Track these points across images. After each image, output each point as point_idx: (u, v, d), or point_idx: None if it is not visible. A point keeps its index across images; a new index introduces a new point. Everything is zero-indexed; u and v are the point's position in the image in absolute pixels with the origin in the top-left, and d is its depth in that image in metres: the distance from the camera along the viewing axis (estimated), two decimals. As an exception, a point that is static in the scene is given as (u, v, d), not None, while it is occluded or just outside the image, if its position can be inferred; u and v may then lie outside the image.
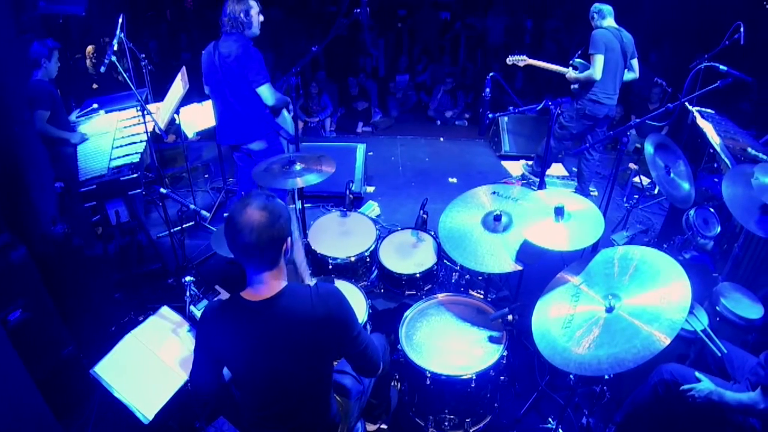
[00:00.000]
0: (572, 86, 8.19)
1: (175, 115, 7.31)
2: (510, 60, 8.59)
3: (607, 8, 7.75)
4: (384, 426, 4.74)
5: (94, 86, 10.31)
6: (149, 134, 6.51)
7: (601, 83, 7.75)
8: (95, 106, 7.57)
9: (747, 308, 4.89)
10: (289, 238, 3.02)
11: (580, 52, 8.11)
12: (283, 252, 3.02)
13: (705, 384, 4.10)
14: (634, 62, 8.00)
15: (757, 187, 4.83)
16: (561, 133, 8.43)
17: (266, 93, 6.03)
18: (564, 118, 8.32)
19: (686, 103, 6.35)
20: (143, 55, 7.79)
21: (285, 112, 6.47)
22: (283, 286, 3.08)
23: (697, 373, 4.21)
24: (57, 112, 6.57)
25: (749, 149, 6.07)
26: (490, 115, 5.74)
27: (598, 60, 7.56)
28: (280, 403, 3.28)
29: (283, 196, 5.88)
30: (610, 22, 7.76)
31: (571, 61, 8.14)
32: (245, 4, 5.89)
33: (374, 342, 3.53)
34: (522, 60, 8.46)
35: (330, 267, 5.65)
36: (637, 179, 9.30)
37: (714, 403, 4.00)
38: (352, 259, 5.65)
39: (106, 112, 7.47)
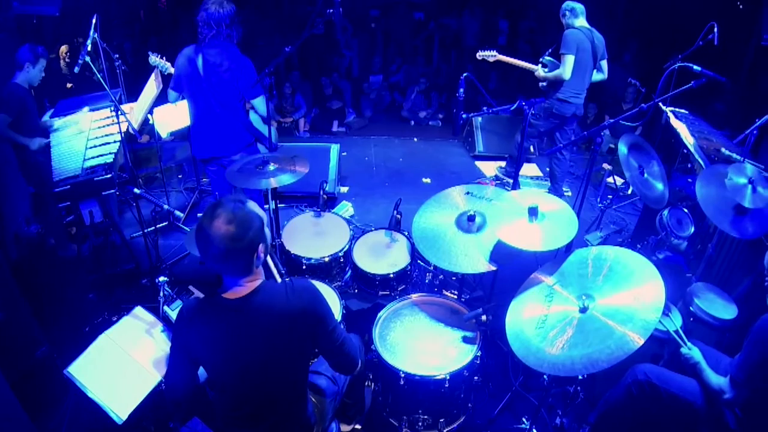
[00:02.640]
0: (540, 84, 8.20)
1: (149, 116, 7.26)
2: (480, 55, 8.61)
3: (580, 7, 7.75)
4: (358, 426, 4.73)
5: (69, 85, 10.23)
6: (123, 134, 6.44)
7: (569, 83, 7.78)
8: (86, 109, 7.50)
9: (721, 308, 4.90)
10: (261, 246, 3.01)
11: (551, 50, 8.11)
12: (255, 259, 3.01)
13: (695, 352, 4.16)
14: (604, 63, 8.04)
15: (731, 187, 4.84)
16: (528, 131, 8.40)
17: (262, 105, 5.85)
18: (531, 116, 8.32)
19: (660, 104, 6.38)
20: (117, 56, 7.72)
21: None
22: (259, 283, 3.08)
23: (689, 343, 4.25)
24: (25, 118, 6.51)
25: (723, 149, 6.10)
26: (464, 116, 5.72)
27: (569, 60, 7.57)
28: (255, 402, 3.27)
29: (258, 199, 5.85)
30: (582, 21, 7.76)
31: (541, 59, 8.16)
32: (229, 7, 5.57)
33: (351, 338, 3.54)
34: (492, 55, 8.47)
35: (304, 267, 5.63)
36: (610, 179, 9.34)
37: (695, 374, 4.10)
38: (326, 259, 5.64)
39: (91, 110, 7.38)
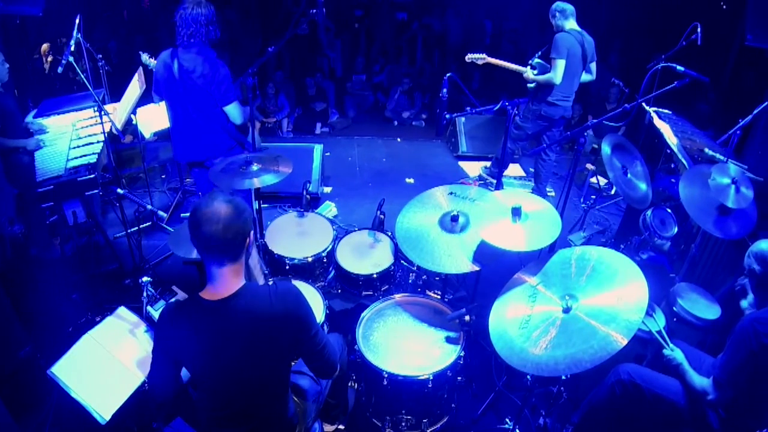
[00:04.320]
0: (528, 85, 8.18)
1: (132, 116, 7.21)
2: (469, 57, 8.50)
3: (570, 8, 7.64)
4: (341, 427, 4.72)
5: (59, 78, 10.19)
6: (106, 135, 6.41)
7: (559, 86, 7.72)
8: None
9: (704, 309, 4.91)
10: (251, 234, 3.03)
11: (540, 52, 8.06)
12: (245, 247, 3.03)
13: (678, 354, 4.19)
14: (593, 66, 7.98)
15: (714, 187, 4.85)
16: (516, 133, 8.41)
17: (234, 112, 5.75)
18: (519, 119, 8.31)
19: (643, 104, 6.38)
20: (100, 56, 7.68)
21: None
22: (241, 284, 3.08)
23: (671, 344, 4.29)
24: (9, 121, 6.42)
25: (706, 150, 6.11)
26: (448, 116, 5.71)
27: (560, 65, 7.50)
28: (237, 403, 3.26)
29: (247, 198, 5.82)
30: (572, 24, 7.66)
31: (530, 61, 8.12)
32: (207, 8, 5.45)
33: (332, 342, 3.52)
34: (482, 58, 8.39)
35: (287, 267, 5.62)
36: (594, 180, 9.34)
37: (679, 375, 4.13)
38: (309, 259, 5.63)
39: (63, 113, 7.33)
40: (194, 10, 5.36)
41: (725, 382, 3.78)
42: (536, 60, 8.01)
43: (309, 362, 3.48)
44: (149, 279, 4.35)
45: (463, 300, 6.05)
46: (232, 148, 6.02)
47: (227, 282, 3.03)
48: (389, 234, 5.90)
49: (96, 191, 5.99)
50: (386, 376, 4.34)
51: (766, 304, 3.96)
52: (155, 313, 4.39)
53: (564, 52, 7.49)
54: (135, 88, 6.85)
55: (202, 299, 3.04)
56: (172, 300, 3.32)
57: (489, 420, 5.17)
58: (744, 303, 4.48)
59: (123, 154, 9.37)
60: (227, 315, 3.01)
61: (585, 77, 8.00)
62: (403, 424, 4.64)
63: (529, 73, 8.05)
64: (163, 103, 6.12)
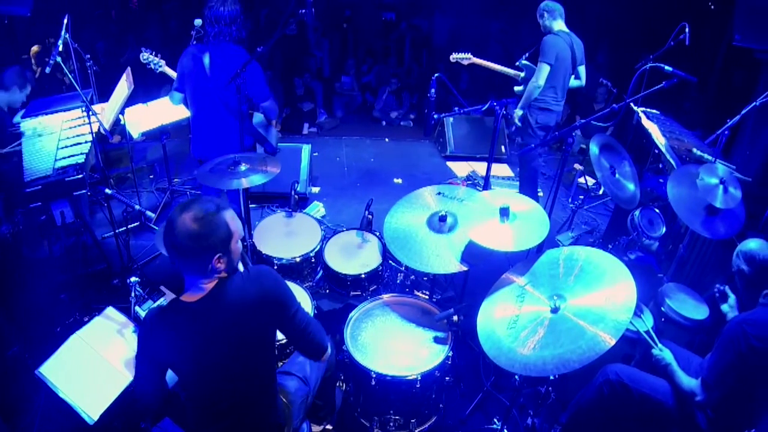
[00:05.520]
0: (516, 88, 8.10)
1: (120, 116, 7.18)
2: (454, 57, 8.39)
3: (559, 8, 7.37)
4: (329, 427, 4.70)
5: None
6: (94, 135, 6.38)
7: (551, 91, 7.47)
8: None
9: (692, 309, 4.93)
10: (219, 256, 2.99)
11: (528, 54, 7.99)
12: (211, 265, 3.00)
13: (666, 354, 4.21)
14: (582, 69, 7.72)
15: (702, 187, 4.86)
16: (530, 154, 8.16)
17: (272, 107, 5.88)
18: (521, 139, 8.17)
19: (631, 104, 6.38)
20: (88, 56, 7.65)
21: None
22: (216, 282, 3.09)
23: (660, 344, 4.30)
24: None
25: (694, 150, 6.12)
26: (436, 116, 5.71)
27: (544, 70, 7.22)
28: (226, 399, 3.27)
29: (235, 198, 5.81)
30: (560, 25, 7.40)
31: (517, 63, 8.06)
32: (233, 6, 5.49)
33: (316, 321, 3.53)
34: (467, 58, 8.29)
35: (275, 267, 5.59)
36: (582, 180, 9.37)
37: (667, 375, 4.15)
38: (297, 259, 5.63)
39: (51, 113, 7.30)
40: (218, 9, 5.42)
41: (713, 383, 3.79)
42: (523, 61, 7.92)
43: (296, 343, 3.54)
44: (137, 279, 4.36)
45: (451, 300, 6.05)
46: (251, 147, 6.07)
47: (204, 287, 3.06)
48: (377, 234, 5.90)
49: (84, 191, 5.95)
50: (374, 376, 4.33)
51: (751, 304, 3.97)
52: (143, 313, 4.40)
53: (552, 57, 7.23)
54: (123, 88, 6.81)
55: (181, 302, 3.06)
56: (154, 306, 3.33)
57: (477, 420, 5.17)
58: (725, 307, 4.52)
59: (111, 155, 9.32)
60: (208, 313, 3.04)
61: (574, 83, 7.78)
62: (391, 424, 4.62)
63: (515, 74, 8.00)
64: (151, 104, 6.09)
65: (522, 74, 7.92)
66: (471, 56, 8.30)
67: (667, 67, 6.01)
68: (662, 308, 4.97)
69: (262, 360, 3.33)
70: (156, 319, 3.11)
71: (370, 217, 6.13)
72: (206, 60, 5.54)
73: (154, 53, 6.79)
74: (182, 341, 3.07)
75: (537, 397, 5.10)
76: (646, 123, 6.55)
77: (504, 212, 4.46)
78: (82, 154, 6.15)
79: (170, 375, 3.44)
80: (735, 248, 4.12)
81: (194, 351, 3.08)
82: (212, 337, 3.06)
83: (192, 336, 3.06)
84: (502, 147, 10.68)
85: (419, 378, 4.30)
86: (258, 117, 6.07)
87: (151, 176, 9.52)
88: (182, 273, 3.05)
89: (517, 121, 7.75)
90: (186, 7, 13.01)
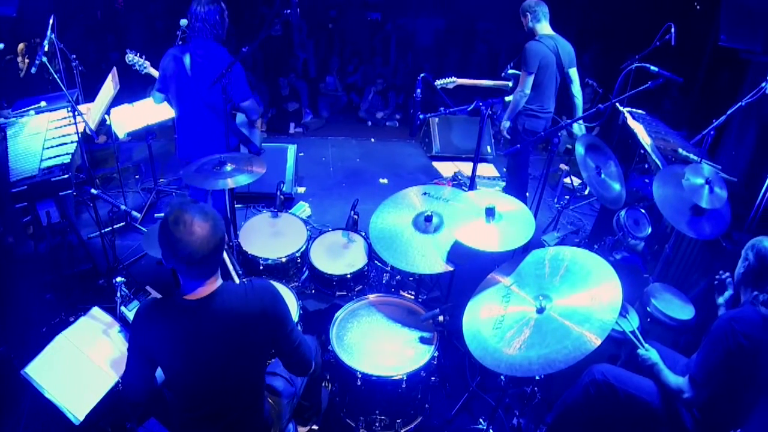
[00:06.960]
0: (506, 99, 8.00)
1: (106, 116, 7.17)
2: (438, 84, 8.00)
3: (543, 9, 7.09)
4: (315, 427, 4.69)
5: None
6: (80, 135, 6.36)
7: (537, 99, 7.21)
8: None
9: (678, 309, 4.93)
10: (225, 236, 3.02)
11: (512, 63, 7.86)
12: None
13: (652, 354, 4.21)
14: (573, 72, 7.35)
15: (688, 187, 4.87)
16: (522, 159, 8.01)
17: (251, 107, 5.82)
18: (510, 144, 8.06)
19: (617, 104, 6.39)
20: (74, 56, 7.62)
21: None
22: (218, 284, 3.08)
23: (646, 344, 4.31)
24: None
25: (680, 150, 6.14)
26: (421, 116, 5.70)
27: (528, 79, 6.98)
28: (212, 403, 3.25)
29: (221, 198, 5.80)
30: (545, 27, 7.13)
31: (503, 73, 7.98)
32: (214, 5, 5.45)
33: (307, 340, 3.55)
34: (451, 82, 8.08)
35: (261, 268, 5.58)
36: (567, 180, 9.39)
37: (653, 375, 4.15)
38: (283, 259, 5.60)
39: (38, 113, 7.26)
40: (198, 9, 5.40)
41: (701, 381, 3.79)
42: (510, 71, 7.78)
43: (284, 359, 3.51)
44: (123, 279, 4.32)
45: (437, 300, 6.04)
46: (236, 148, 6.02)
47: (206, 286, 3.04)
48: (363, 234, 5.87)
49: (70, 191, 5.93)
50: (360, 376, 4.32)
51: (743, 302, 3.96)
52: (129, 313, 4.37)
53: (534, 65, 6.95)
54: (109, 88, 6.79)
55: (179, 298, 3.04)
56: (149, 298, 3.31)
57: (463, 420, 5.17)
58: (720, 299, 4.50)
59: (97, 155, 9.34)
60: (205, 314, 3.02)
61: (574, 89, 7.43)
62: (377, 424, 4.61)
63: (504, 81, 7.96)
64: (137, 104, 6.06)
65: (510, 83, 7.85)
66: (455, 78, 8.08)
67: (653, 68, 6.03)
68: (648, 308, 4.98)
69: (252, 370, 3.32)
70: (150, 311, 3.09)
71: (355, 217, 6.12)
72: (187, 60, 5.53)
73: (138, 54, 6.75)
74: (173, 337, 3.05)
75: (523, 397, 5.10)
76: (632, 123, 6.57)
77: (489, 212, 4.45)
78: (67, 154, 6.12)
79: (158, 373, 3.43)
80: (720, 248, 4.13)
81: (185, 350, 3.06)
82: (206, 339, 3.04)
83: (184, 334, 3.04)
84: (488, 147, 10.69)
85: (405, 378, 4.30)
86: (240, 117, 6.04)
87: (137, 176, 9.49)
88: (188, 278, 3.01)
89: (505, 133, 7.63)
90: (172, 7, 13.00)
